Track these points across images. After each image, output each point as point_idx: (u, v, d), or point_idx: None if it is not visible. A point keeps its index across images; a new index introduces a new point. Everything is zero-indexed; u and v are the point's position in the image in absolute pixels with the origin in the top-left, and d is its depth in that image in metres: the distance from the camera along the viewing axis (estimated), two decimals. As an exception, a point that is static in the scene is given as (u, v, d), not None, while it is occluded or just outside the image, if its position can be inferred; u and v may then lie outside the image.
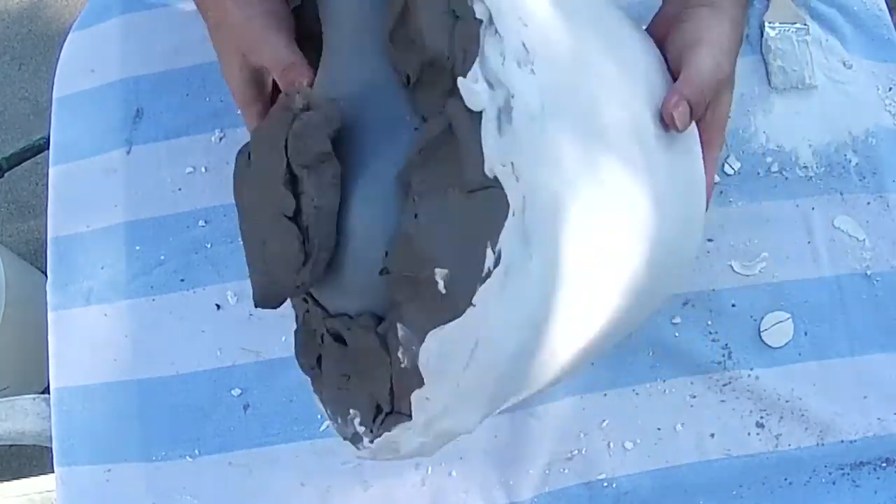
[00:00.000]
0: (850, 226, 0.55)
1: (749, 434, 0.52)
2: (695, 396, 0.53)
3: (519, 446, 0.53)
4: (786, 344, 0.54)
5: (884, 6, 0.61)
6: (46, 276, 0.62)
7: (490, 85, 0.29)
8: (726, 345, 0.54)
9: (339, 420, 0.37)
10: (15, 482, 0.75)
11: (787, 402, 0.52)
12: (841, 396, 0.53)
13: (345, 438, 0.37)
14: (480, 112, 0.29)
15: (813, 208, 0.56)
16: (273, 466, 0.54)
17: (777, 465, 0.52)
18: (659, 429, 0.53)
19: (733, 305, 0.54)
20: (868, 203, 0.56)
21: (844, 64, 0.59)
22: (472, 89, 0.29)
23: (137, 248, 0.60)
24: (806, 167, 0.57)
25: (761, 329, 0.54)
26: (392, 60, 0.33)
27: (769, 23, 0.59)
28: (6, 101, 1.35)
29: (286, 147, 0.32)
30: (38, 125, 1.32)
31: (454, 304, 0.30)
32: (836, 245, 0.55)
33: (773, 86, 0.58)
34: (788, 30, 0.59)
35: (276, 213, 0.33)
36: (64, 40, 0.68)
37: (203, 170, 0.61)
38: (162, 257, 0.60)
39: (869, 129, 0.57)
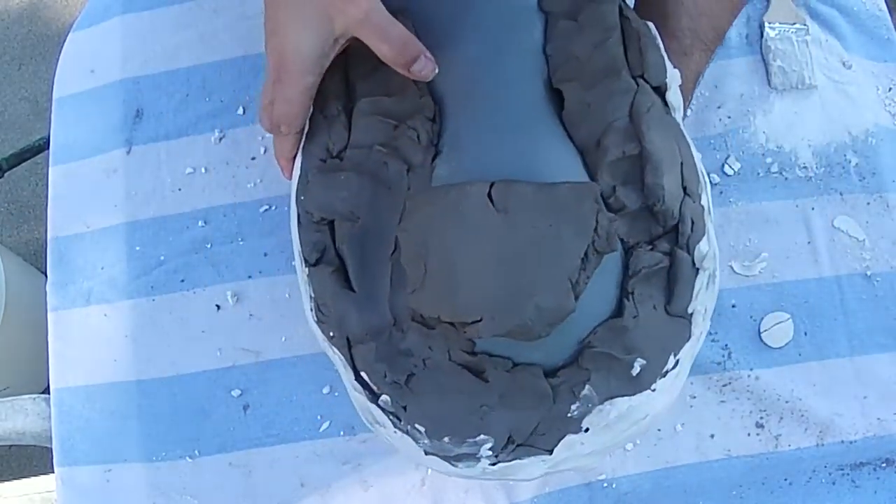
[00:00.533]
0: (849, 226, 0.55)
1: (749, 434, 0.52)
2: (694, 397, 0.53)
3: (519, 446, 0.53)
4: (786, 344, 0.54)
5: (884, 6, 0.61)
6: (46, 276, 0.62)
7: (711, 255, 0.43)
8: (726, 345, 0.54)
9: (440, 439, 0.41)
10: (15, 482, 0.75)
11: (786, 402, 0.52)
12: (841, 397, 0.53)
13: (428, 454, 0.42)
14: (697, 268, 0.42)
15: (813, 208, 0.56)
16: (273, 467, 0.54)
17: (777, 465, 0.52)
18: (659, 429, 0.53)
19: (733, 306, 0.54)
20: (868, 203, 0.56)
21: (844, 64, 0.59)
22: (707, 256, 0.42)
23: (137, 248, 0.60)
24: (806, 167, 0.57)
25: (761, 329, 0.54)
26: (602, 181, 0.43)
27: (769, 23, 0.59)
28: (6, 101, 1.35)
29: (596, 230, 0.39)
30: (37, 125, 1.32)
31: (638, 385, 0.41)
32: (835, 245, 0.55)
33: (772, 86, 0.58)
34: (788, 30, 0.59)
35: (553, 268, 0.39)
36: (64, 41, 0.68)
37: (203, 170, 0.61)
38: (162, 257, 0.60)
39: (869, 130, 0.57)
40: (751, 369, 0.53)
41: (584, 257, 0.39)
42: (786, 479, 0.52)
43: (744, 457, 0.52)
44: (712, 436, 0.52)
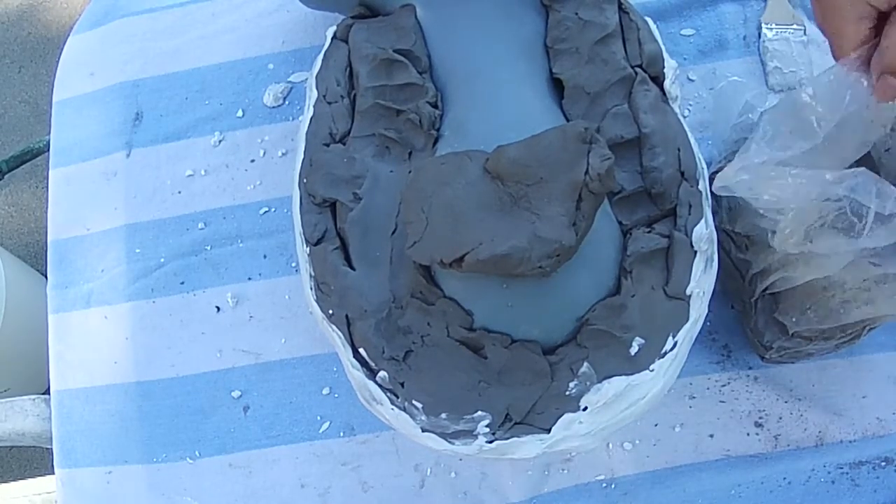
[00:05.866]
0: (848, 226, 0.55)
1: (748, 434, 0.52)
2: (694, 397, 0.53)
3: (518, 447, 0.53)
4: (784, 344, 0.54)
5: (881, 7, 0.61)
6: (46, 278, 0.62)
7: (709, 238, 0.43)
8: (725, 345, 0.54)
9: (438, 415, 0.41)
10: (15, 483, 0.75)
11: (785, 402, 0.53)
12: (840, 396, 0.53)
13: (424, 430, 0.42)
14: (696, 250, 0.42)
15: (811, 209, 0.56)
16: (273, 467, 0.55)
17: (776, 465, 0.52)
18: (658, 429, 0.53)
19: (732, 307, 0.54)
20: (866, 203, 0.56)
21: (842, 65, 0.59)
22: (704, 238, 0.42)
23: (137, 250, 0.60)
24: (804, 168, 0.57)
25: (760, 329, 0.54)
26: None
27: (766, 24, 0.60)
28: (6, 104, 1.35)
29: (587, 172, 0.38)
30: (38, 128, 1.32)
31: (637, 365, 0.41)
32: (834, 245, 0.55)
33: (770, 87, 0.59)
34: (785, 31, 0.59)
35: (551, 212, 0.39)
36: (64, 43, 0.68)
37: (202, 172, 0.61)
38: (162, 260, 0.60)
39: (866, 130, 0.57)
40: (749, 369, 0.53)
41: (578, 199, 0.39)
42: (785, 479, 0.52)
43: (743, 456, 0.52)
44: (711, 436, 0.52)
